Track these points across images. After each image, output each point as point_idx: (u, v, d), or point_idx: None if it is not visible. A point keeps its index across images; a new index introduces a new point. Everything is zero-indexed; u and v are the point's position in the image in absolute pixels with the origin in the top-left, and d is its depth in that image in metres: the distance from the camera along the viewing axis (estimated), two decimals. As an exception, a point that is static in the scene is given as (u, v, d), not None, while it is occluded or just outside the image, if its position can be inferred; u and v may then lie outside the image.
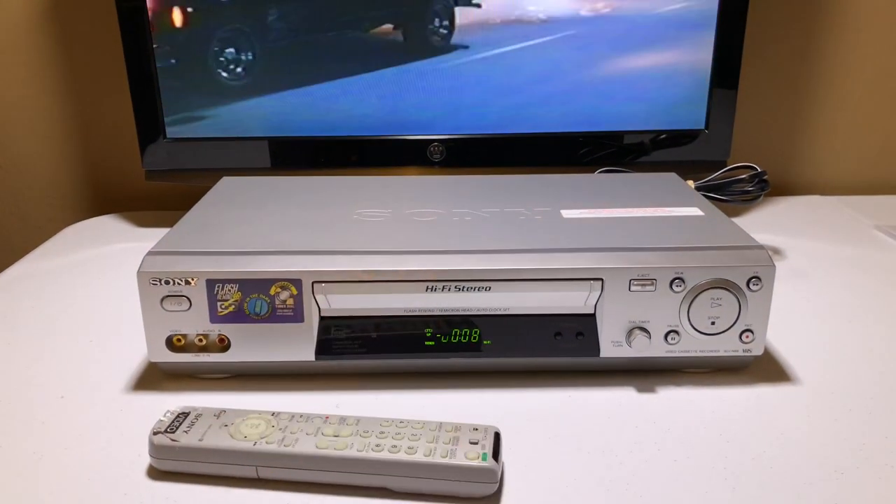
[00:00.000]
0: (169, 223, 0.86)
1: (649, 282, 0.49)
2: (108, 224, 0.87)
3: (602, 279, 0.49)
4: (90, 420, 0.48)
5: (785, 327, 0.60)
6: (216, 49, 0.76)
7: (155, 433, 0.42)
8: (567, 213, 0.58)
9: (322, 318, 0.50)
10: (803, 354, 0.56)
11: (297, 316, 0.50)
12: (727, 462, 0.44)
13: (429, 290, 0.50)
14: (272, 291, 0.49)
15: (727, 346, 0.51)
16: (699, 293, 0.49)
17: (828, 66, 0.94)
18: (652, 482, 0.42)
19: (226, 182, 0.67)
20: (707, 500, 0.41)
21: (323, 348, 0.50)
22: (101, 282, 0.71)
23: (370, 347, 0.50)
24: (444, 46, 0.77)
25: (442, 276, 0.49)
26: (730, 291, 0.49)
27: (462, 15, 0.76)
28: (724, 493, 0.41)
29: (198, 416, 0.44)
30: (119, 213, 0.91)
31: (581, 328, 0.50)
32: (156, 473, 0.43)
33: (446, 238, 0.53)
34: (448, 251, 0.50)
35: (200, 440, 0.42)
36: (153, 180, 0.81)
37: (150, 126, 0.79)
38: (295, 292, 0.49)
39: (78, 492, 0.42)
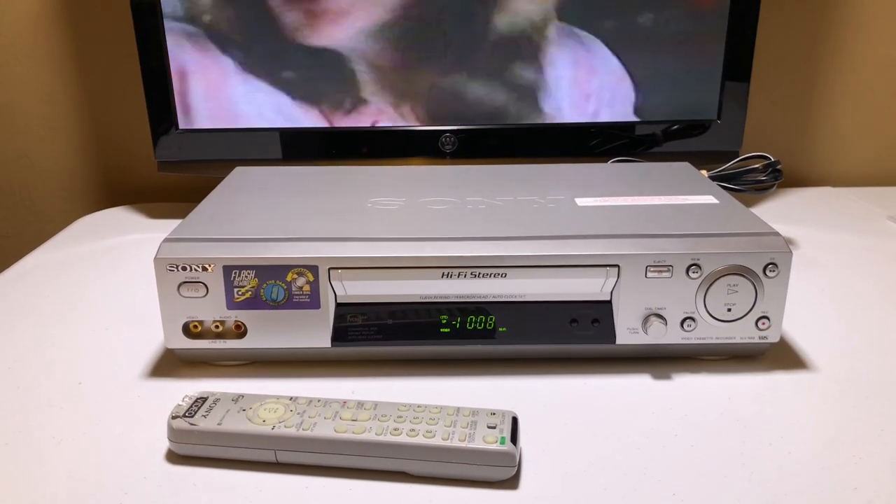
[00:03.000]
0: (181, 215, 0.86)
1: (665, 268, 0.49)
2: (120, 215, 0.88)
3: (618, 265, 0.49)
4: (108, 406, 0.48)
5: (800, 316, 0.60)
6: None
7: (174, 417, 0.43)
8: (581, 201, 0.58)
9: (338, 305, 0.50)
10: (819, 342, 0.56)
11: (313, 302, 0.50)
12: (744, 448, 0.44)
13: (444, 277, 0.50)
14: (289, 278, 0.49)
15: (743, 333, 0.51)
16: (715, 280, 0.49)
17: (840, 56, 0.93)
18: (669, 467, 0.42)
19: (239, 172, 0.67)
20: (725, 485, 0.41)
21: (339, 335, 0.50)
22: (115, 272, 0.71)
23: (386, 334, 0.50)
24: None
25: (457, 262, 0.49)
26: (746, 278, 0.49)
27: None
28: (743, 477, 0.41)
29: (216, 401, 0.44)
30: (131, 205, 0.91)
31: (597, 315, 0.50)
32: (175, 457, 0.43)
33: (461, 225, 0.53)
34: (463, 238, 0.50)
35: (219, 424, 0.42)
36: (165, 171, 0.82)
37: (162, 117, 0.80)
38: (311, 279, 0.49)
39: (97, 476, 0.42)
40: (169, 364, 0.53)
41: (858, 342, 0.56)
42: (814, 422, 0.46)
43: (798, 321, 0.59)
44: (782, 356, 0.54)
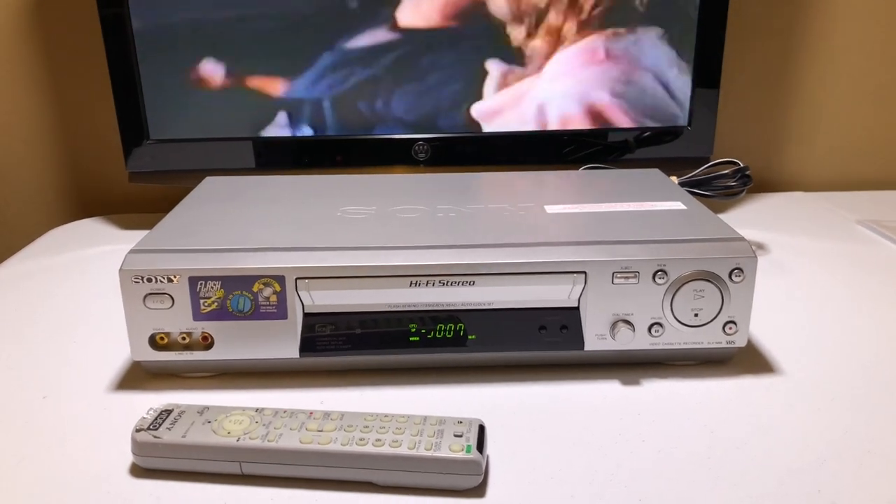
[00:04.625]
0: (152, 226, 0.85)
1: (632, 274, 0.49)
2: (91, 227, 0.87)
3: (585, 272, 0.49)
4: (73, 420, 0.48)
5: (768, 320, 0.61)
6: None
7: (138, 430, 0.42)
8: (551, 209, 0.58)
9: (306, 315, 0.50)
10: (786, 346, 0.56)
11: (280, 313, 0.49)
12: (710, 452, 0.44)
13: (412, 286, 0.50)
14: (255, 288, 0.49)
15: (710, 338, 0.51)
16: (682, 285, 0.50)
17: (809, 63, 0.94)
18: (636, 473, 0.42)
19: (209, 182, 0.67)
20: (691, 490, 0.41)
21: (307, 345, 0.50)
22: (84, 284, 0.70)
23: (354, 343, 0.50)
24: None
25: (425, 270, 0.49)
26: (712, 283, 0.50)
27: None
28: (708, 482, 0.41)
29: (181, 413, 0.44)
30: (103, 216, 0.91)
31: (565, 321, 0.51)
32: (139, 471, 0.43)
33: (430, 233, 0.53)
34: (431, 246, 0.50)
35: (183, 437, 0.42)
36: (137, 182, 0.81)
37: (133, 128, 0.79)
38: (278, 289, 0.49)
39: (60, 491, 0.41)
40: (136, 377, 0.53)
41: (825, 346, 0.56)
42: (780, 425, 0.46)
43: (767, 325, 0.60)
44: (750, 360, 0.54)
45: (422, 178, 0.68)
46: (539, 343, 0.51)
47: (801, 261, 0.73)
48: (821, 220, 0.85)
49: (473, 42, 0.76)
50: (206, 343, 0.50)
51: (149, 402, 0.50)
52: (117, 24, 0.76)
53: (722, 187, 0.73)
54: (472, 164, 0.82)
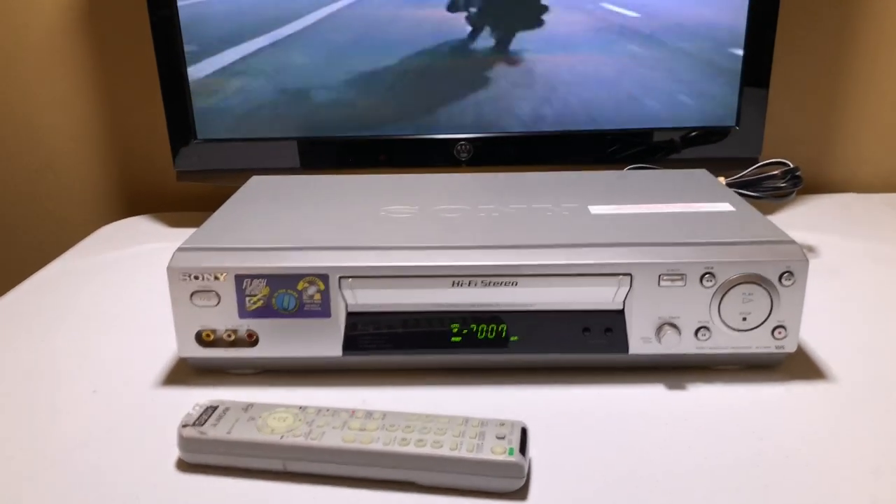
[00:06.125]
0: (199, 224, 0.87)
1: (679, 277, 0.49)
2: (140, 225, 0.89)
3: (631, 274, 0.49)
4: (121, 414, 0.49)
5: (819, 325, 0.59)
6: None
7: (184, 426, 0.43)
8: (595, 209, 0.57)
9: (349, 314, 0.50)
10: (838, 353, 0.55)
11: (324, 311, 0.50)
12: (760, 459, 0.43)
13: (455, 286, 0.49)
14: (300, 287, 0.49)
15: (759, 343, 0.50)
16: (730, 288, 0.49)
17: (861, 60, 0.92)
18: (683, 480, 0.41)
19: (255, 181, 0.68)
20: (740, 498, 0.40)
21: (350, 343, 0.50)
22: (132, 280, 0.72)
23: (397, 343, 0.50)
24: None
25: (468, 271, 0.49)
26: (761, 286, 0.49)
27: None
28: (758, 490, 0.40)
29: (226, 410, 0.44)
30: (151, 214, 0.92)
31: (609, 324, 0.50)
32: (184, 466, 0.43)
33: (473, 233, 0.52)
34: (474, 246, 0.50)
35: (228, 433, 0.42)
36: (184, 181, 0.83)
37: (181, 127, 0.81)
38: (322, 287, 0.49)
39: (108, 483, 0.42)
40: (182, 373, 0.54)
41: (879, 353, 0.55)
42: (832, 434, 0.45)
43: (818, 331, 0.58)
44: (800, 366, 0.53)
45: (464, 177, 0.67)
46: (582, 346, 0.50)
47: (854, 264, 0.71)
48: (874, 222, 0.83)
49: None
50: (251, 340, 0.51)
51: (194, 397, 0.51)
52: (167, 26, 0.77)
53: (771, 188, 0.72)
54: (514, 164, 0.81)
